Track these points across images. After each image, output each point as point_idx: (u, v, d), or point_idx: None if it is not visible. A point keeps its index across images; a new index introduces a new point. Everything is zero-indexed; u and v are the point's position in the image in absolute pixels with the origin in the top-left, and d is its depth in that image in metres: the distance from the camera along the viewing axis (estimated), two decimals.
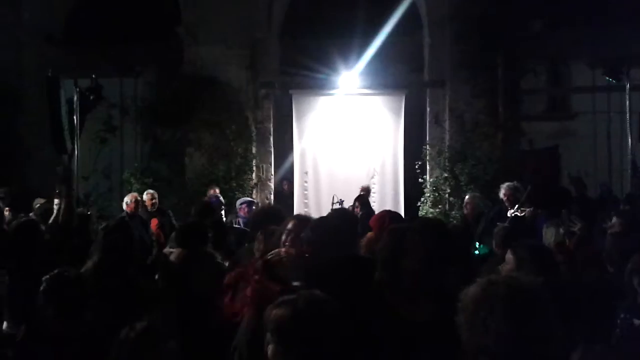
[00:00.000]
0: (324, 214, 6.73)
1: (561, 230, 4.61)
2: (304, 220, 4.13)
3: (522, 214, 5.88)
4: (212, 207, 6.32)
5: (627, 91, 9.75)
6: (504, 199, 6.28)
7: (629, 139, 9.76)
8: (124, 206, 7.35)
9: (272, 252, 3.59)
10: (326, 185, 10.22)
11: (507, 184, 6.40)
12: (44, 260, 3.95)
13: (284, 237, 3.83)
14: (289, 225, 3.93)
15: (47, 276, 2.99)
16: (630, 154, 9.78)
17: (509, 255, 3.13)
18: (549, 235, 4.95)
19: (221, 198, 8.00)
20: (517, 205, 6.01)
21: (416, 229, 3.29)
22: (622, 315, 3.12)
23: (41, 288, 2.96)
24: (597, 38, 10.30)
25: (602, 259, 4.22)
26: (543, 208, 6.09)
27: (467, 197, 7.30)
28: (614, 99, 11.56)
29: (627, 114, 9.80)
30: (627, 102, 9.79)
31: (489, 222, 6.06)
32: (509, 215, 5.94)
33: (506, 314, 1.64)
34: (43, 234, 4.51)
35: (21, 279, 3.91)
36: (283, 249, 3.68)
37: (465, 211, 7.22)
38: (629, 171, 9.81)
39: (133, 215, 7.23)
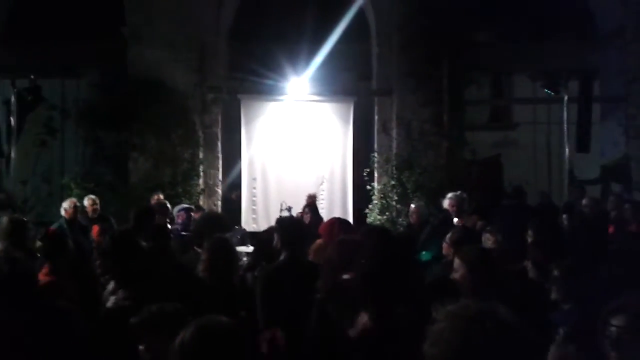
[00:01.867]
0: (272, 221, 6.72)
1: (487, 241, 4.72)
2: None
3: (466, 224, 5.99)
4: (153, 212, 6.13)
5: (565, 103, 10.16)
6: (450, 208, 6.38)
7: (566, 149, 10.16)
8: (62, 212, 7.09)
9: None
10: (275, 191, 10.17)
11: (452, 194, 6.50)
12: None
13: None
14: None
15: None
16: (568, 163, 10.18)
17: (457, 261, 3.17)
18: (488, 242, 5.08)
19: (168, 204, 7.81)
20: (461, 215, 6.13)
21: (362, 236, 3.33)
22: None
23: None
24: (537, 51, 10.67)
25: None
26: (485, 218, 6.23)
27: (412, 205, 7.40)
28: (553, 110, 12.01)
29: (565, 125, 10.21)
30: (565, 114, 10.20)
31: (433, 229, 6.16)
32: (455, 224, 6.04)
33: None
34: None
35: None
36: None
37: (411, 220, 7.31)
38: (567, 180, 10.21)
39: (72, 221, 6.99)
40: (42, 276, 3.95)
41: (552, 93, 10.23)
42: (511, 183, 11.50)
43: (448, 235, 4.45)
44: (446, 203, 6.42)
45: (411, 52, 9.72)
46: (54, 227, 6.15)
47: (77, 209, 7.17)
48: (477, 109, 12.26)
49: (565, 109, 10.19)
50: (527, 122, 13.16)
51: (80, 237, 6.67)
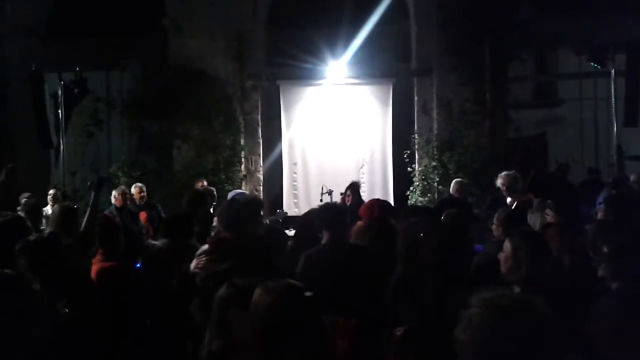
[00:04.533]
0: (314, 204, 6.76)
1: (546, 215, 4.64)
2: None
3: (520, 203, 5.85)
4: (204, 197, 6.32)
5: (612, 77, 9.81)
6: (502, 187, 6.26)
7: (615, 125, 9.83)
8: (112, 200, 7.33)
9: None
10: (315, 175, 10.23)
11: (504, 172, 6.34)
12: None
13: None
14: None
15: None
16: (617, 139, 9.86)
17: (506, 244, 3.13)
18: (533, 220, 4.99)
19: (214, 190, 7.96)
20: (513, 194, 6.01)
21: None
22: None
23: None
24: (582, 25, 10.32)
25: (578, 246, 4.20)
26: (537, 196, 6.08)
27: (455, 181, 7.40)
28: (599, 85, 11.62)
29: (613, 100, 9.86)
30: (612, 88, 9.85)
31: (486, 210, 6.07)
32: (508, 203, 5.93)
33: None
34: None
35: None
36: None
37: (455, 195, 7.31)
38: (615, 156, 9.89)
39: (122, 208, 7.22)
40: (97, 262, 4.11)
41: (599, 66, 9.89)
42: (557, 161, 11.25)
43: (496, 215, 4.39)
44: (498, 182, 6.30)
45: (451, 30, 9.54)
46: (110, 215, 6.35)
47: (126, 197, 7.38)
48: (520, 86, 11.97)
49: (612, 83, 9.84)
50: (572, 98, 12.76)
51: (130, 223, 6.88)
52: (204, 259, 3.71)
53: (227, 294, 2.66)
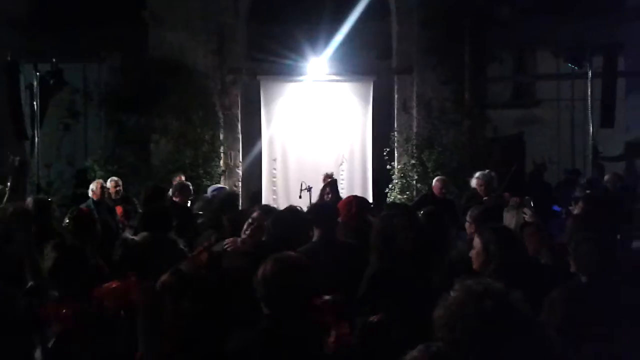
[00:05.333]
0: (292, 200, 6.74)
1: (523, 214, 4.67)
2: (268, 211, 4.17)
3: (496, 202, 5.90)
4: (162, 191, 6.27)
5: (589, 79, 9.95)
6: (478, 187, 6.29)
7: (591, 126, 9.98)
8: (90, 193, 7.18)
9: (224, 242, 3.69)
10: (294, 172, 10.20)
11: (480, 172, 6.38)
12: None
13: (245, 227, 3.86)
14: (253, 215, 3.95)
15: None
16: (592, 139, 10.01)
17: (476, 239, 3.17)
18: (509, 218, 5.03)
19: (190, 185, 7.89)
20: (489, 194, 6.06)
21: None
22: None
23: None
24: (561, 27, 10.45)
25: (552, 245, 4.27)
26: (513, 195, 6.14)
27: (436, 179, 7.44)
28: (577, 87, 11.78)
29: (589, 101, 10.01)
30: (589, 90, 9.99)
31: (463, 209, 6.10)
32: (484, 202, 5.96)
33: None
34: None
35: None
36: (239, 239, 3.76)
37: (436, 193, 7.35)
38: (591, 156, 10.05)
39: (99, 202, 7.09)
40: None
41: (577, 67, 10.02)
42: (534, 161, 11.39)
43: (469, 213, 4.42)
44: (474, 182, 6.34)
45: (432, 29, 9.57)
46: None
47: (105, 190, 7.25)
48: (499, 86, 12.09)
49: (589, 84, 9.98)
50: (550, 99, 12.93)
51: (108, 217, 6.78)
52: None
53: (167, 279, 2.67)
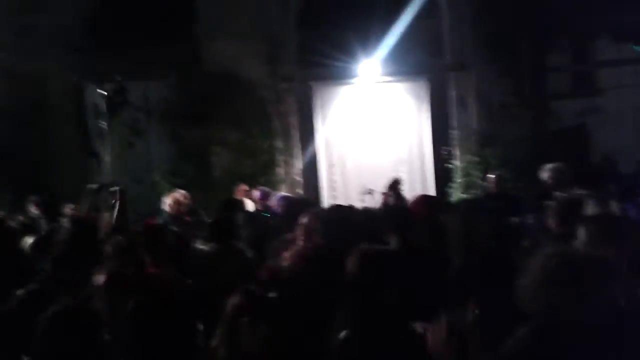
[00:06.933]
0: (354, 204, 6.67)
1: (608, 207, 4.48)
2: (317, 213, 4.14)
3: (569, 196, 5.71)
4: (238, 202, 6.30)
5: None
6: (549, 181, 6.12)
7: None
8: (166, 207, 7.05)
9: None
10: (353, 175, 10.15)
11: (551, 165, 6.23)
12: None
13: (298, 232, 3.84)
14: (303, 220, 3.92)
15: None
16: None
17: (581, 231, 3.01)
18: (591, 212, 4.82)
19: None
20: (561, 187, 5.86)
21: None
22: None
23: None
24: (622, 9, 10.02)
25: None
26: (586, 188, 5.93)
27: (491, 175, 7.32)
28: None
29: None
30: None
31: (536, 204, 5.95)
32: (556, 196, 5.78)
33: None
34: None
35: None
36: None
37: (491, 189, 7.24)
38: None
39: (176, 216, 6.89)
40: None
41: None
42: (601, 152, 10.97)
43: (551, 206, 4.27)
44: (545, 175, 6.18)
45: (484, 22, 9.38)
46: (155, 221, 6.30)
47: (180, 204, 7.15)
48: (558, 77, 11.70)
49: None
50: (613, 86, 12.43)
51: (183, 229, 6.80)
52: None
53: (239, 302, 2.47)
